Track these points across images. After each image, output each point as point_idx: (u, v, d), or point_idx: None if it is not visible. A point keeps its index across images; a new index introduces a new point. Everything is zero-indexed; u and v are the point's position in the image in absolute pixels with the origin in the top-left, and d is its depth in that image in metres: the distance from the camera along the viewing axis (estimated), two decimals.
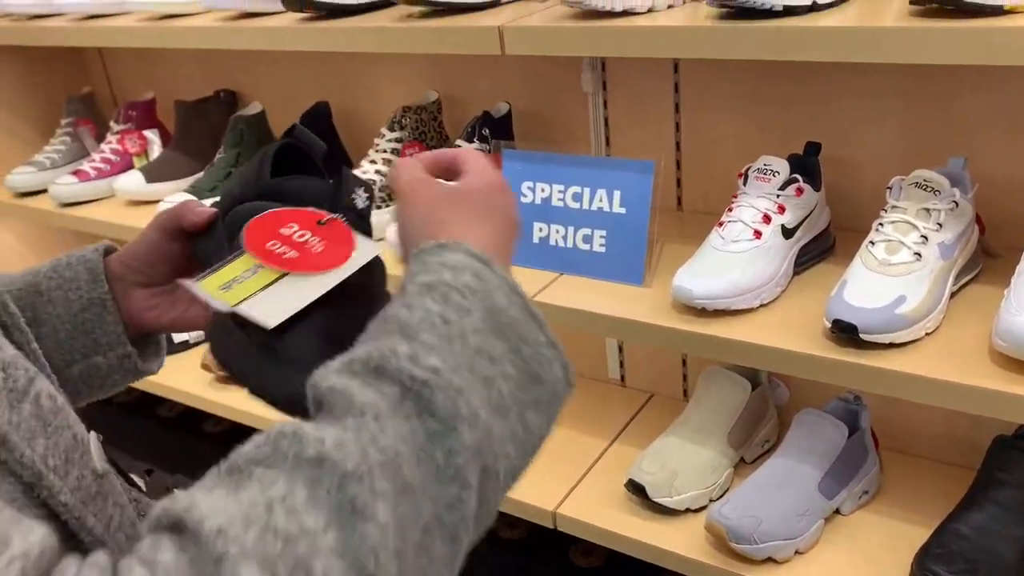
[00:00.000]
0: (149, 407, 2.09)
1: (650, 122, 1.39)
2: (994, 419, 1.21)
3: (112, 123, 1.86)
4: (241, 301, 0.64)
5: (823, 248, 1.20)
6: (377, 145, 1.50)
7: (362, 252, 0.69)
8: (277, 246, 0.67)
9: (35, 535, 0.40)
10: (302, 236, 0.68)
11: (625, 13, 1.01)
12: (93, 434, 0.57)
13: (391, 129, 1.48)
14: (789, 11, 0.93)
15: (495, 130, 1.41)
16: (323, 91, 1.70)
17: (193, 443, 1.98)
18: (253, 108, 1.71)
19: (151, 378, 1.75)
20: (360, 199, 0.72)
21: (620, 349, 1.59)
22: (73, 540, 0.51)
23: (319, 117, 1.64)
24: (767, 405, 1.40)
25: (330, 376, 0.49)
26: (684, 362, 1.54)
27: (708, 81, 1.33)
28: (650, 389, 1.60)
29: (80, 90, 2.00)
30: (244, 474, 0.44)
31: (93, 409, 0.77)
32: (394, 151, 1.47)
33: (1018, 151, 1.14)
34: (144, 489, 0.71)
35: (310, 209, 0.70)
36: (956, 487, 1.25)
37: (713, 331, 1.07)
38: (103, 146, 1.84)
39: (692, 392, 1.54)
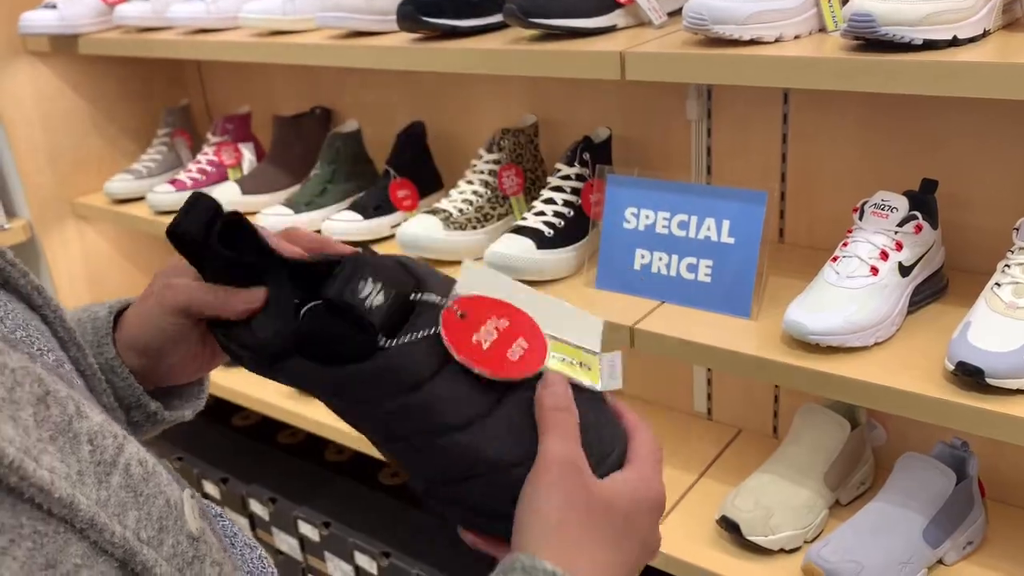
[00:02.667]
0: (225, 415, 2.12)
1: (754, 152, 1.37)
2: None
3: (208, 135, 1.90)
4: None
5: (937, 288, 1.17)
6: (475, 166, 1.50)
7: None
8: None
9: None
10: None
11: (752, 42, 1.00)
12: (187, 491, 0.54)
13: (489, 151, 1.49)
14: (929, 45, 0.91)
15: (595, 155, 1.40)
16: (418, 111, 1.72)
17: (268, 453, 1.99)
18: (349, 126, 1.73)
19: (228, 386, 1.80)
20: (369, 292, 0.57)
21: (709, 382, 1.56)
22: None
23: (414, 137, 1.65)
24: (864, 446, 1.36)
25: None
26: (776, 398, 1.51)
27: (818, 113, 1.31)
28: (737, 424, 1.57)
29: (177, 102, 2.04)
30: None
31: None
32: (491, 172, 1.47)
33: None
34: (219, 499, 0.67)
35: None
36: None
37: (826, 368, 1.04)
38: (199, 157, 1.87)
39: (782, 429, 1.52)
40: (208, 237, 0.61)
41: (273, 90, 2.00)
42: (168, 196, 1.78)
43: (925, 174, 1.19)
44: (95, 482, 0.45)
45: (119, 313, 0.68)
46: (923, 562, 1.17)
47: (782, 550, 1.25)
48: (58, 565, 0.41)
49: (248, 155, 1.87)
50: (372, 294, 0.56)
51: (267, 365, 0.60)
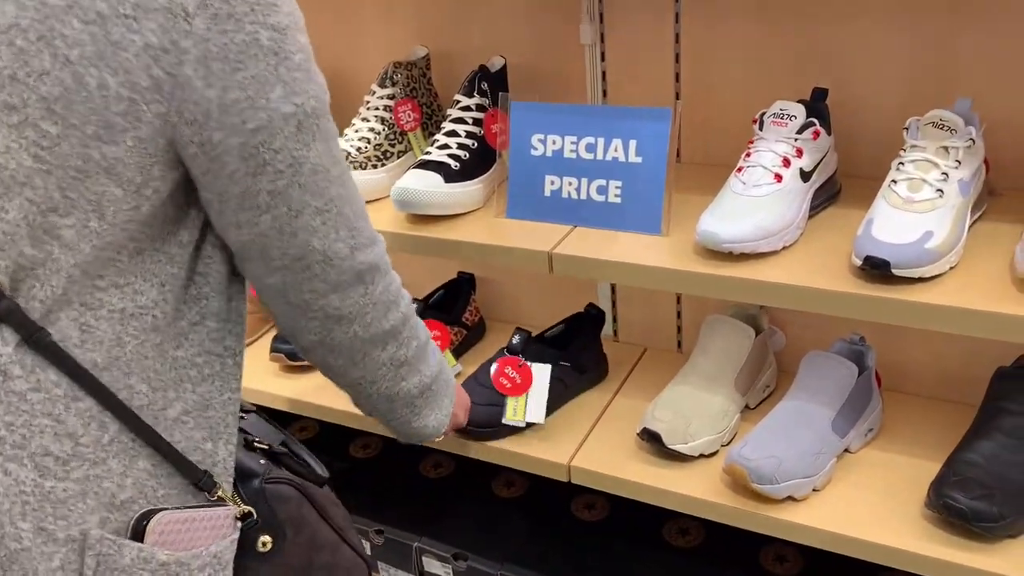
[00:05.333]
0: None
1: (648, 73, 1.39)
2: (985, 354, 1.28)
3: None
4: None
5: (832, 192, 1.23)
6: (368, 103, 1.46)
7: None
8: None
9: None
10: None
11: None
12: None
13: (382, 86, 1.45)
14: None
15: (492, 84, 1.39)
16: None
17: None
18: None
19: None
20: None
21: (613, 304, 1.60)
22: None
23: None
24: (767, 351, 1.43)
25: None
26: (679, 314, 1.56)
27: (707, 30, 1.33)
28: (643, 343, 1.61)
29: None
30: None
31: None
32: (387, 108, 1.44)
33: (1017, 91, 1.19)
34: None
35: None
36: (953, 421, 1.30)
37: (741, 274, 1.09)
38: None
39: (686, 344, 1.57)
40: None
41: None
42: None
43: (815, 84, 1.24)
44: None
45: None
46: (833, 451, 1.24)
47: (701, 455, 1.31)
48: None
49: None
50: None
51: None
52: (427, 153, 1.35)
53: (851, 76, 1.27)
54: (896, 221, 1.03)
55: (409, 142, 1.45)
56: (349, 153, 1.40)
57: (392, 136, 1.44)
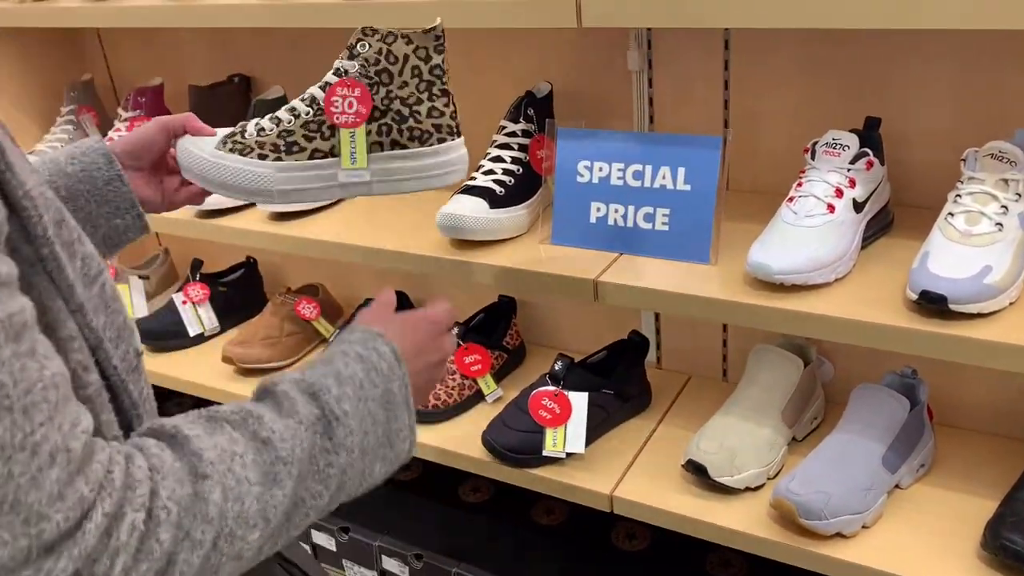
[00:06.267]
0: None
1: (696, 100, 1.38)
2: None
3: (120, 110, 1.80)
4: None
5: (885, 223, 1.21)
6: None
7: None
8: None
9: (87, 419, 0.58)
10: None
11: None
12: (134, 321, 0.79)
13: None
14: None
15: (538, 110, 1.38)
16: None
17: None
18: (274, 92, 1.67)
19: (169, 372, 1.72)
20: None
21: (657, 331, 1.58)
22: (115, 403, 0.67)
23: None
24: (816, 382, 1.40)
25: (286, 383, 0.73)
26: (724, 342, 1.53)
27: (758, 59, 1.32)
28: (687, 371, 1.59)
29: (79, 76, 1.93)
30: (218, 425, 0.67)
31: None
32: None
33: None
34: None
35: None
36: (1009, 458, 1.27)
37: (792, 306, 1.07)
38: (111, 133, 1.77)
39: (732, 373, 1.55)
40: None
41: (182, 59, 1.91)
42: None
43: (865, 114, 1.22)
44: (83, 286, 0.64)
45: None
46: (883, 487, 1.21)
47: (748, 488, 1.28)
48: (58, 330, 0.61)
49: None
50: None
51: None
52: (472, 178, 1.34)
53: (899, 105, 1.25)
54: (953, 255, 1.01)
55: (338, 140, 1.03)
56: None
57: (315, 126, 1.03)
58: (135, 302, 1.89)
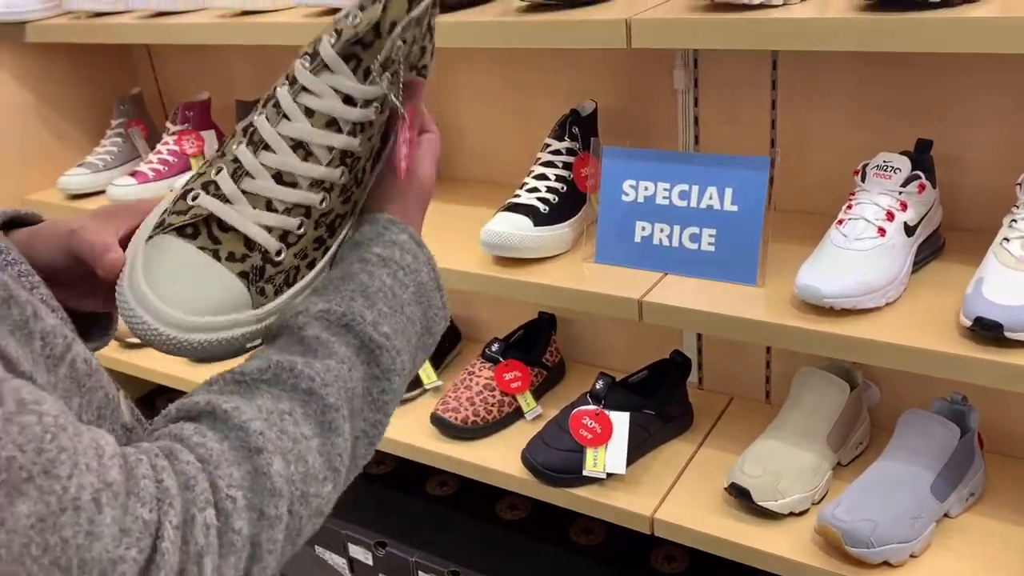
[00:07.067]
0: None
1: (742, 120, 1.37)
2: None
3: (168, 124, 1.83)
4: None
5: (936, 247, 1.19)
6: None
7: None
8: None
9: (107, 439, 0.52)
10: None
11: (762, 6, 0.99)
12: (122, 392, 0.64)
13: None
14: (934, 4, 0.92)
15: (583, 128, 1.38)
16: None
17: None
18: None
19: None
20: None
21: (699, 351, 1.57)
22: None
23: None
24: (862, 406, 1.38)
25: (312, 323, 0.65)
26: (768, 364, 1.52)
27: (807, 78, 1.31)
28: (729, 392, 1.57)
29: (128, 90, 1.96)
30: (253, 388, 0.60)
31: None
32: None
33: None
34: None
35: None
36: None
37: (842, 330, 1.05)
38: (159, 147, 1.80)
39: (775, 395, 1.53)
40: None
41: (230, 75, 1.93)
42: (130, 189, 1.70)
43: (916, 135, 1.20)
44: (44, 370, 0.54)
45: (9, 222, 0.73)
46: (932, 516, 1.19)
47: (791, 513, 1.26)
48: None
49: (211, 143, 1.81)
50: None
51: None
52: (516, 196, 1.34)
53: (952, 126, 1.23)
54: (1009, 281, 0.99)
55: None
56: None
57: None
58: None
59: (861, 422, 1.38)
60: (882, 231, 1.09)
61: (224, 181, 0.64)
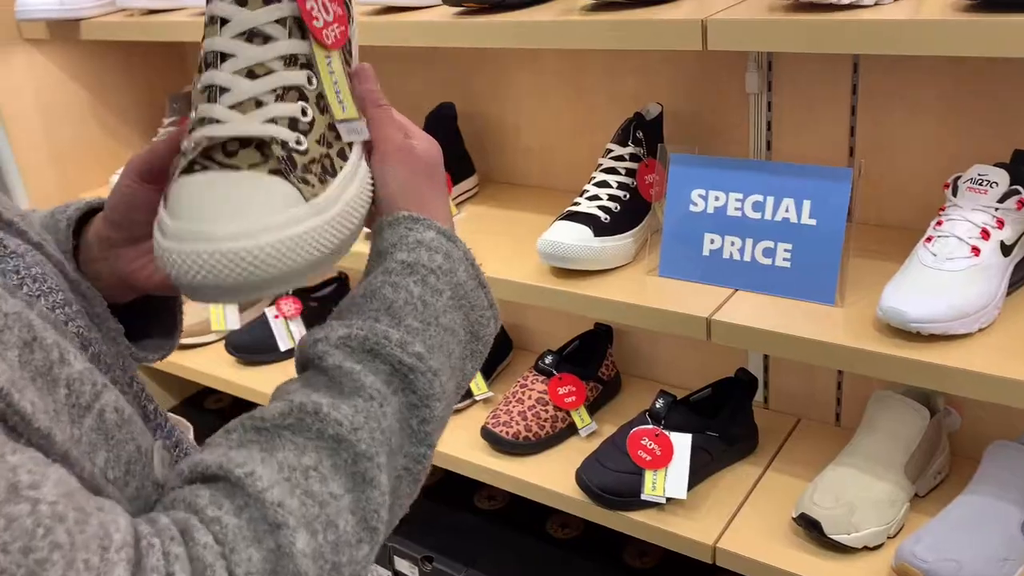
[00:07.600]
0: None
1: (819, 126, 1.29)
2: None
3: None
4: None
5: None
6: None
7: None
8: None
9: (118, 525, 0.45)
10: None
11: (851, 6, 0.91)
12: (159, 443, 0.59)
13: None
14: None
15: (648, 133, 1.31)
16: (445, 93, 1.63)
17: None
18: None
19: (258, 387, 1.70)
20: None
21: (765, 369, 1.49)
22: None
23: (444, 120, 1.56)
24: (942, 434, 1.29)
25: (332, 352, 0.57)
26: (839, 385, 1.43)
27: (890, 83, 1.22)
28: (796, 413, 1.49)
29: (181, 88, 1.94)
30: (275, 437, 0.53)
31: None
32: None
33: None
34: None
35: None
36: None
37: (929, 358, 0.97)
38: None
39: (846, 418, 1.45)
40: None
41: None
42: None
43: (1013, 146, 1.11)
44: (68, 421, 0.49)
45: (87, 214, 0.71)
46: (1022, 559, 1.10)
47: (865, 547, 1.18)
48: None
49: None
50: None
51: None
52: (576, 204, 1.28)
53: None
54: None
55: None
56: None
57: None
58: (228, 315, 1.88)
59: (941, 451, 1.29)
60: (976, 250, 1.01)
61: (207, 110, 0.58)
